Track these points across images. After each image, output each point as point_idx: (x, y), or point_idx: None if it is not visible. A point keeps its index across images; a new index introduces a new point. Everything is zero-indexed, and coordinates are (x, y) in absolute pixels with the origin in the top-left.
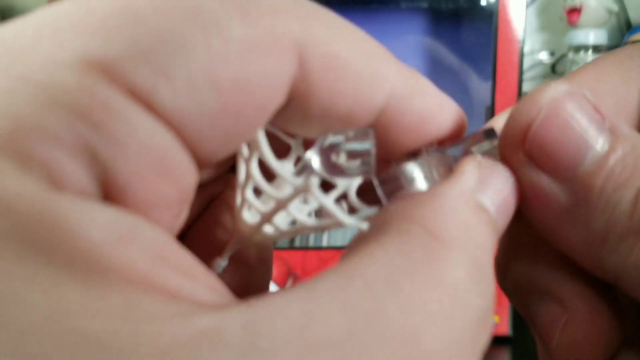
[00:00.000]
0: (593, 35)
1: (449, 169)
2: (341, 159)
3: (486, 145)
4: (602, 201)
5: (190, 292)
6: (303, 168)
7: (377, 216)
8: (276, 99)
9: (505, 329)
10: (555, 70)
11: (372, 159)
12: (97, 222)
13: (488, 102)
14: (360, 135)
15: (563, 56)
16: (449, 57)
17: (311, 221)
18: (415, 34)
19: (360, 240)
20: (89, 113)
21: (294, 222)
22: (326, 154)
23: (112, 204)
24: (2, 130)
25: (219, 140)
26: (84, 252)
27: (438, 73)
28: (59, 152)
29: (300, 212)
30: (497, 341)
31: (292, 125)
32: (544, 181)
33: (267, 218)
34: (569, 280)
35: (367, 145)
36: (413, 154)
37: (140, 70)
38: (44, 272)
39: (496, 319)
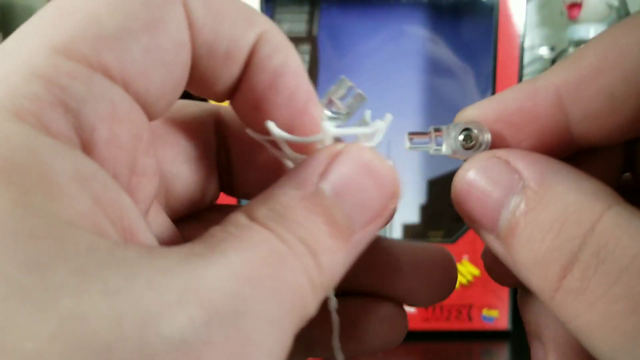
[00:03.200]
0: (593, 30)
1: None
2: (342, 102)
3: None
4: (519, 260)
5: (115, 237)
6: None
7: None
8: (184, 53)
9: (505, 324)
10: None
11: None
12: (63, 163)
13: (488, 97)
14: (343, 85)
15: (563, 51)
16: (450, 52)
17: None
18: (415, 29)
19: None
20: (57, 81)
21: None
22: (330, 101)
23: (82, 147)
24: (1, 94)
25: (158, 94)
26: (47, 183)
27: (438, 68)
28: (43, 107)
29: None
30: (497, 336)
31: (199, 79)
32: (486, 238)
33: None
34: (550, 324)
35: (355, 89)
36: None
37: (96, 49)
38: (12, 192)
39: (495, 313)
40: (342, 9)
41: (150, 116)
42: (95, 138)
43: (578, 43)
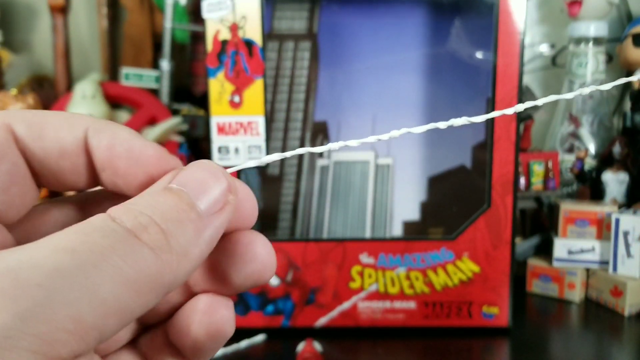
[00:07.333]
0: (594, 28)
1: None
2: None
3: None
4: None
5: None
6: None
7: None
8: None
9: (505, 320)
10: (555, 62)
11: None
12: None
13: (489, 94)
14: None
15: (564, 48)
16: (450, 50)
17: None
18: (415, 27)
19: None
20: None
21: None
22: None
23: None
24: None
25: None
26: None
27: (439, 65)
28: None
29: None
30: (496, 332)
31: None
32: None
33: None
34: None
35: None
36: None
37: None
38: None
39: (495, 310)
40: (342, 6)
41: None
42: None
43: (578, 40)
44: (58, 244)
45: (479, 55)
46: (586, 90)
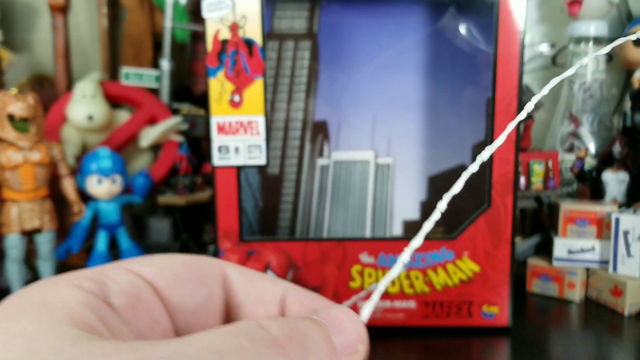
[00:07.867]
0: (594, 27)
1: None
2: None
3: None
4: None
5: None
6: None
7: None
8: (207, 293)
9: (505, 320)
10: (555, 62)
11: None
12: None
13: (489, 93)
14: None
15: (564, 48)
16: (450, 49)
17: None
18: (415, 26)
19: None
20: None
21: None
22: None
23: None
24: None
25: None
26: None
27: (439, 65)
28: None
29: None
30: (496, 332)
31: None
32: None
33: None
34: None
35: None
36: None
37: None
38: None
39: (495, 310)
40: (342, 6)
41: (177, 319)
42: (115, 304)
43: (578, 40)
44: (209, 343)
45: (478, 54)
46: (570, 72)
